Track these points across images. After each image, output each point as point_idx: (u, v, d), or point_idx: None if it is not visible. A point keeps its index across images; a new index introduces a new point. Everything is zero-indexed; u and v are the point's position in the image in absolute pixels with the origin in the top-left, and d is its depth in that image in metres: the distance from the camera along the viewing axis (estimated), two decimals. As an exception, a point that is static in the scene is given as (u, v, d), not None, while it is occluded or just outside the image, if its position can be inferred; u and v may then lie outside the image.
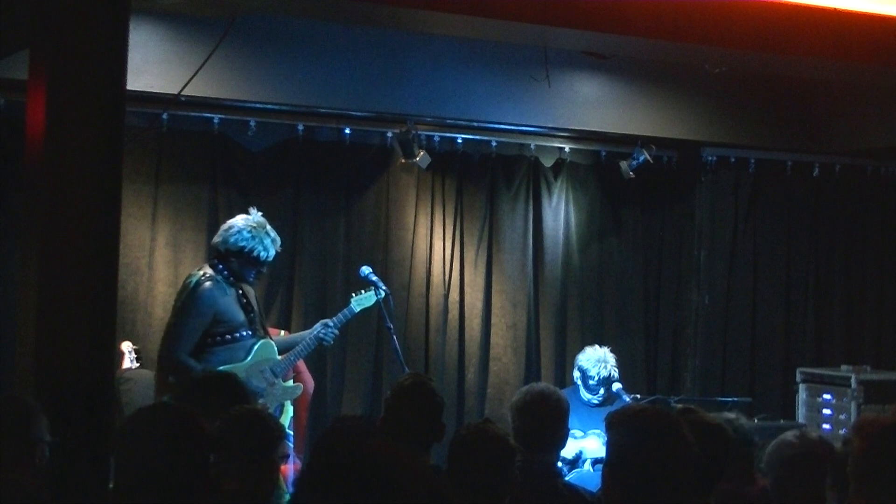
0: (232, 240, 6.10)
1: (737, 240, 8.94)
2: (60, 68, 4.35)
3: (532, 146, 8.35)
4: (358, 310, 6.62)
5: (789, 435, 4.04)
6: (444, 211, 8.17)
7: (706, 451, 3.64)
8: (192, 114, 7.30)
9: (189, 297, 5.98)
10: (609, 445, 2.83)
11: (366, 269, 6.69)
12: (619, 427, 2.79)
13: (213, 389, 4.28)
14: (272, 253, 6.20)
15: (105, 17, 4.37)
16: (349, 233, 7.90)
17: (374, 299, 6.60)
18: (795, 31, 5.87)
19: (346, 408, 7.78)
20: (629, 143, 8.27)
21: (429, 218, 8.10)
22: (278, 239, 6.26)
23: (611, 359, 7.07)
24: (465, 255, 8.24)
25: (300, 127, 7.65)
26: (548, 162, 8.46)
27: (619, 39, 5.97)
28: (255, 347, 6.14)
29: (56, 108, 4.32)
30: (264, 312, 7.53)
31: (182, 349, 5.88)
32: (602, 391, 7.04)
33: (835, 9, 5.86)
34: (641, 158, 8.16)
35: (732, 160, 8.83)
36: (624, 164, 8.25)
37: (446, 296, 8.11)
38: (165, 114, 7.08)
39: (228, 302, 6.05)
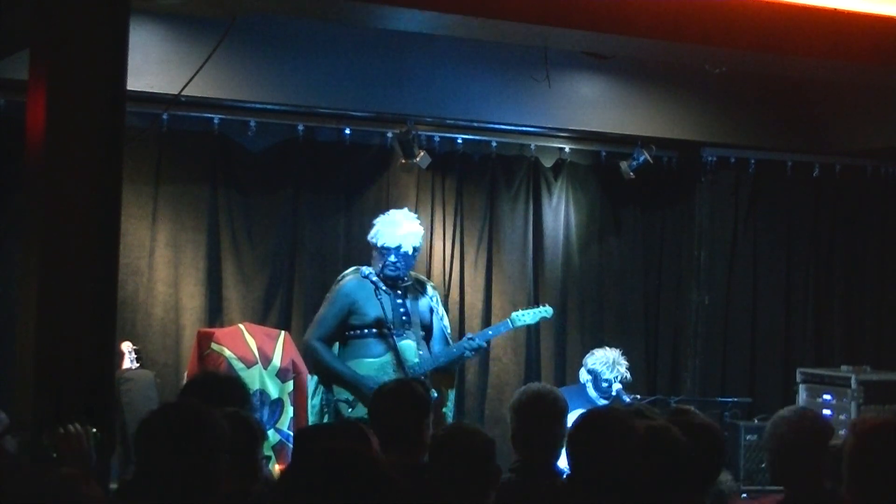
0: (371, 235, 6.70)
1: (737, 240, 8.93)
2: (60, 68, 4.35)
3: (532, 146, 8.34)
4: (517, 325, 7.02)
5: (787, 411, 4.14)
6: (444, 211, 8.16)
7: (700, 450, 3.66)
8: (192, 114, 7.30)
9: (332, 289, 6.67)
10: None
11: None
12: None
13: (214, 390, 4.28)
14: (395, 242, 6.56)
15: (105, 17, 4.37)
16: (349, 233, 7.89)
17: (538, 317, 7.00)
18: (795, 31, 5.87)
19: (346, 408, 7.78)
20: (629, 143, 8.26)
21: (429, 218, 8.09)
22: (416, 231, 6.68)
23: (623, 361, 7.21)
24: (465, 255, 8.23)
25: (300, 127, 7.64)
26: (548, 162, 8.46)
27: (619, 39, 5.97)
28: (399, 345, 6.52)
29: (56, 108, 4.31)
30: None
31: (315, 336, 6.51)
32: (613, 392, 7.16)
33: (835, 9, 5.86)
34: (641, 159, 8.15)
35: (732, 160, 8.82)
36: (624, 165, 8.24)
37: (446, 296, 8.10)
38: (165, 114, 7.08)
39: (366, 297, 6.51)
